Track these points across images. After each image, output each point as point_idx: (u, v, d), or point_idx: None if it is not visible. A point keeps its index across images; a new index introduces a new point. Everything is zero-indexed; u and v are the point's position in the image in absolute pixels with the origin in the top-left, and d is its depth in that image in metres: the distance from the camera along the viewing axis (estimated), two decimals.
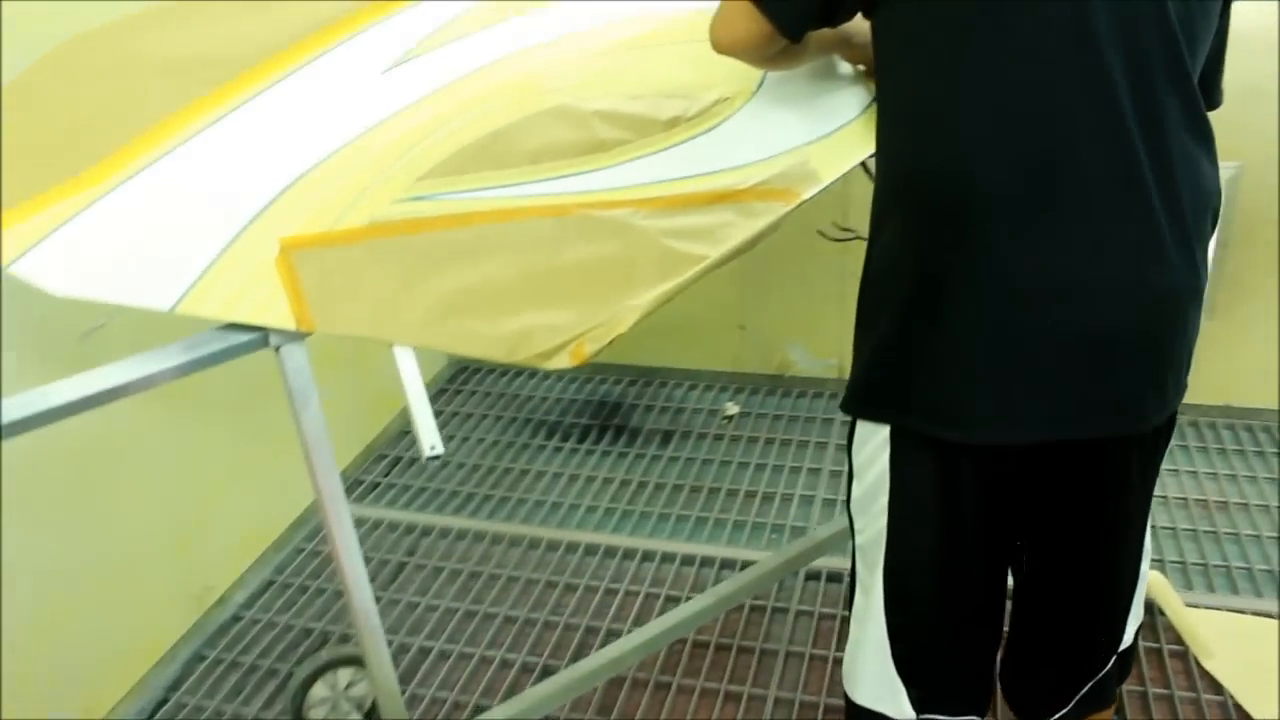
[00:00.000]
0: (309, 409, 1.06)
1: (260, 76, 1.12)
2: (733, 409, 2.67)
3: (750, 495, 2.31)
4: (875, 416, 1.08)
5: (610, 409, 2.71)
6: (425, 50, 1.20)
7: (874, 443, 1.09)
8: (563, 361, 1.10)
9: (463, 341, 1.07)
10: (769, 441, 2.52)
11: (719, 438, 2.56)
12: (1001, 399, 0.99)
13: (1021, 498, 1.08)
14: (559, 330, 1.11)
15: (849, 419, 1.13)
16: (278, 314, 1.00)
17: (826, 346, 2.70)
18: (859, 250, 1.11)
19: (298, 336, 1.02)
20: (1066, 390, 0.98)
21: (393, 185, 1.09)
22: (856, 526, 1.16)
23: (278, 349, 1.03)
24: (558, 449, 2.55)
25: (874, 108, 1.37)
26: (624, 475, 2.41)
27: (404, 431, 2.66)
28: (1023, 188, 0.95)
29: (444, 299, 1.07)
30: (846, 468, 1.17)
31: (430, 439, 1.00)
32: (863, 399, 1.09)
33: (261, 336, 1.01)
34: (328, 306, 1.02)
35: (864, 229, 1.10)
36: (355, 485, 2.44)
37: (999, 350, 0.97)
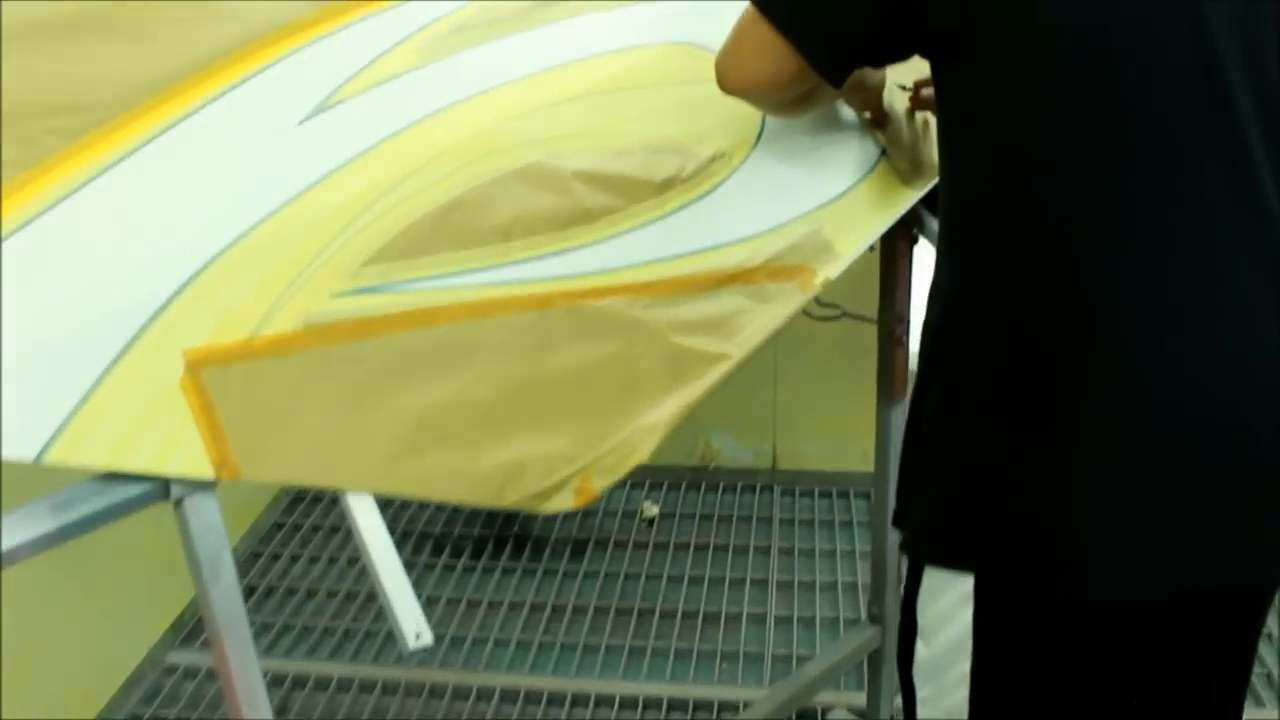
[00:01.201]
0: (220, 582, 0.85)
1: (132, 129, 0.92)
2: (652, 510, 2.52)
3: (689, 617, 2.16)
4: (957, 563, 0.96)
5: (507, 516, 2.51)
6: (352, 93, 1.03)
7: (951, 596, 0.97)
8: (565, 503, 0.93)
9: (437, 482, 0.89)
10: (700, 548, 2.38)
11: (640, 545, 2.40)
12: (1130, 542, 0.88)
13: (1140, 659, 0.97)
14: (557, 461, 0.94)
15: (911, 562, 1.01)
16: (187, 457, 0.80)
17: (756, 431, 2.60)
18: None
19: (207, 486, 0.82)
20: (1215, 528, 0.88)
21: (330, 274, 0.91)
22: (922, 696, 1.03)
23: (179, 503, 0.82)
24: (447, 568, 2.34)
25: (884, 164, 1.28)
26: (533, 598, 2.23)
27: (253, 554, 2.40)
28: (1148, 273, 0.86)
29: (409, 425, 0.89)
30: (901, 621, 1.04)
31: (414, 625, 0.81)
32: (940, 541, 0.97)
33: (159, 487, 0.81)
34: (256, 444, 0.83)
35: (848, 301, 1.00)
36: (192, 624, 2.17)
37: (1127, 480, 0.87)
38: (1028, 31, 0.86)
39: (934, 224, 1.34)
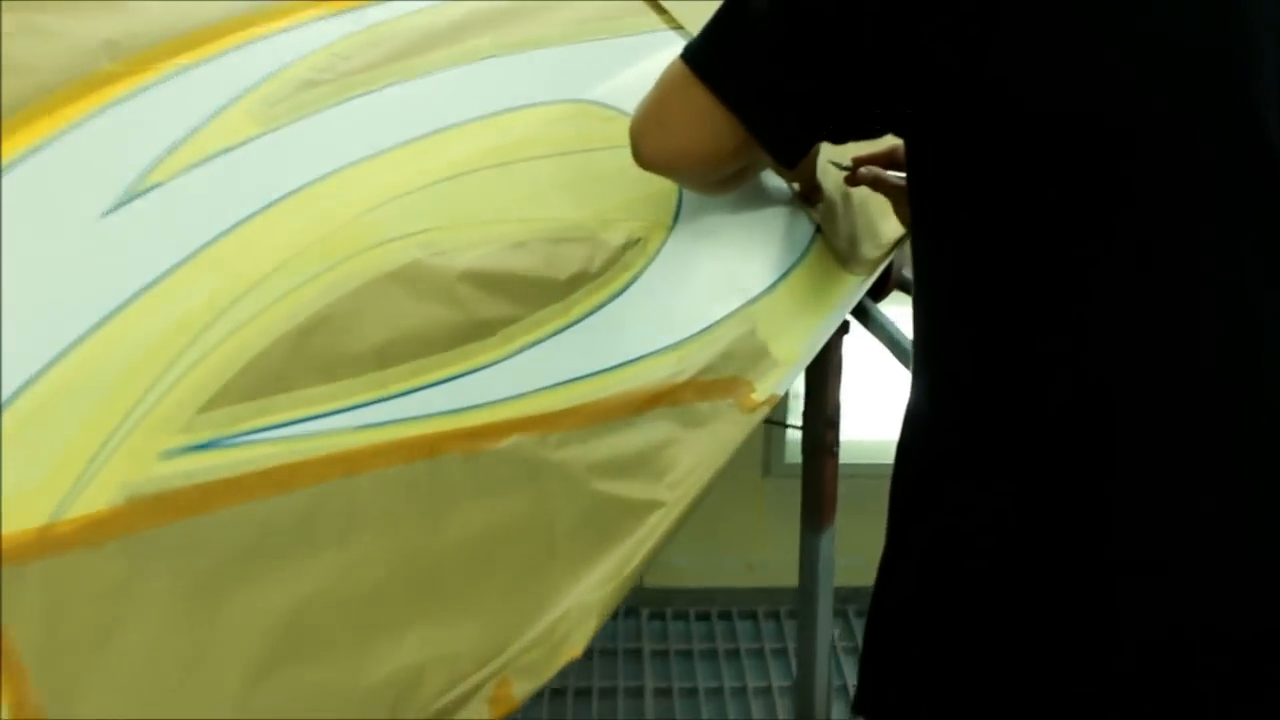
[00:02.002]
0: None
1: None
2: None
3: None
4: None
5: None
6: (170, 173, 0.92)
7: None
8: (480, 714, 0.85)
9: (310, 703, 0.79)
10: (555, 694, 2.29)
11: None
12: None
13: None
14: (464, 662, 0.86)
15: None
16: None
17: None
18: None
19: None
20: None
21: (156, 426, 0.80)
22: None
23: None
24: None
25: (820, 244, 1.25)
26: None
27: None
28: (1197, 432, 0.84)
29: (271, 632, 0.79)
30: None
31: None
32: None
33: None
34: (66, 677, 0.71)
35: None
36: None
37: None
38: (1041, 111, 0.83)
39: (877, 312, 1.32)
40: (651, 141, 1.04)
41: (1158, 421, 0.83)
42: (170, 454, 0.79)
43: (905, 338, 1.28)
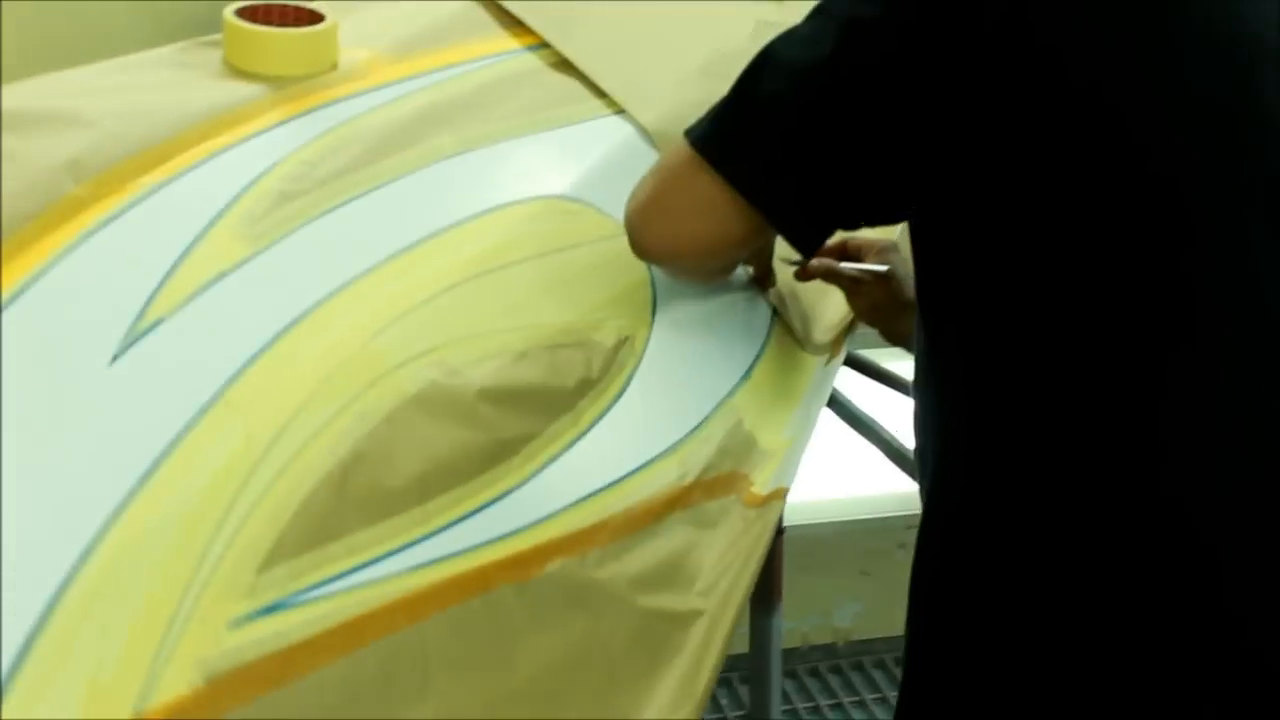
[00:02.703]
0: None
1: None
2: None
3: None
4: None
5: None
6: (171, 307, 0.86)
7: None
8: None
9: None
10: None
11: None
12: None
13: None
14: None
15: None
16: None
17: None
18: None
19: None
20: None
21: (221, 595, 0.74)
22: None
23: None
24: None
25: (779, 326, 1.25)
26: None
27: None
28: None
29: None
30: None
31: None
32: None
33: None
34: None
35: None
36: None
37: None
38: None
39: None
40: (655, 231, 1.01)
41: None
42: (239, 622, 0.73)
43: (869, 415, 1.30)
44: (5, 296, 0.80)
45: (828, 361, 1.29)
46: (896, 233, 1.31)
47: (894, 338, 1.29)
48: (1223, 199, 0.84)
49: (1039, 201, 0.86)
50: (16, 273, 0.81)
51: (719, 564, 1.01)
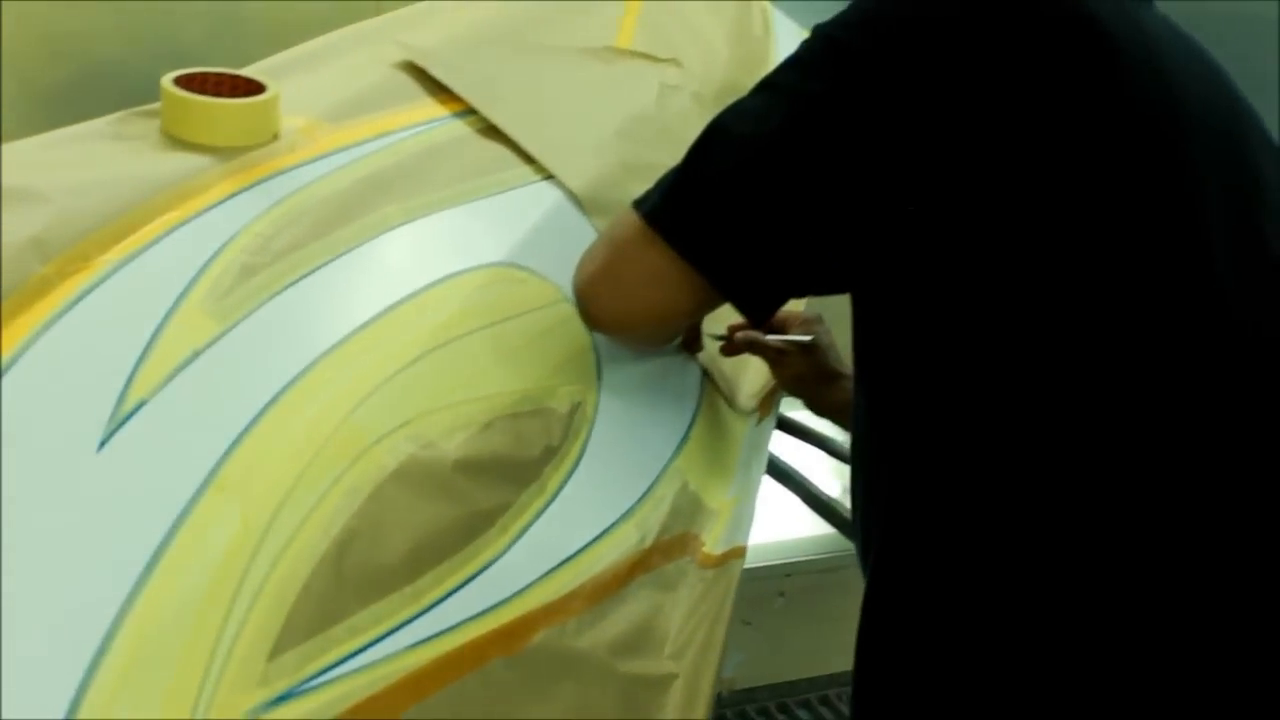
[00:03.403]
0: None
1: None
2: None
3: None
4: None
5: None
6: (151, 387, 0.84)
7: None
8: None
9: None
10: None
11: None
12: None
13: None
14: None
15: None
16: None
17: None
18: None
19: None
20: None
21: (236, 686, 0.73)
22: None
23: None
24: None
25: (710, 390, 1.28)
26: None
27: None
28: None
29: None
30: None
31: None
32: None
33: None
34: None
35: None
36: None
37: None
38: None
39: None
40: (605, 303, 1.03)
41: None
42: (255, 712, 0.72)
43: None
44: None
45: (759, 421, 1.32)
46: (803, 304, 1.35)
47: (819, 408, 1.32)
48: (1164, 281, 0.88)
49: (986, 272, 0.89)
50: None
51: (685, 625, 1.03)
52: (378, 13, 1.92)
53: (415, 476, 0.90)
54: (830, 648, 2.62)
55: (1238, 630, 0.86)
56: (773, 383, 1.35)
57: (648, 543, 1.06)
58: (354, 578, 0.82)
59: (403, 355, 0.97)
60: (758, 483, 1.24)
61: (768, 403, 1.35)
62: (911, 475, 0.96)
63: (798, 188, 0.93)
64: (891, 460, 0.98)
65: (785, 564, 2.49)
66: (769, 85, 0.98)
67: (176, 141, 1.04)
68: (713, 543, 1.12)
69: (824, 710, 2.65)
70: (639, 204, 1.00)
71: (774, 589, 2.40)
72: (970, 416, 0.91)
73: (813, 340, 1.28)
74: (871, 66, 0.91)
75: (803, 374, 1.29)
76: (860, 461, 1.03)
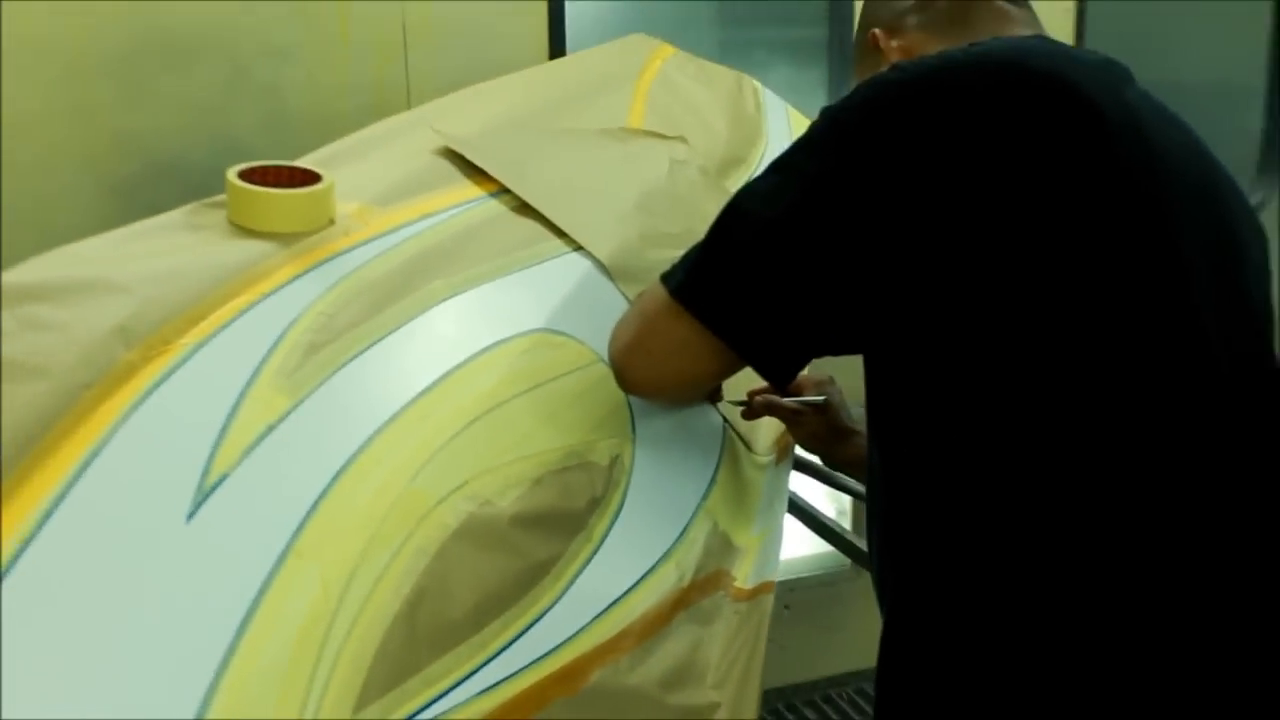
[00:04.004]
0: None
1: None
2: None
3: None
4: None
5: None
6: (231, 461, 0.81)
7: None
8: None
9: None
10: None
11: None
12: None
13: None
14: None
15: None
16: None
17: None
18: None
19: None
20: None
21: None
22: None
23: None
24: None
25: (730, 436, 1.24)
26: None
27: None
28: None
29: None
30: None
31: None
32: None
33: None
34: None
35: None
36: None
37: None
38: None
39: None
40: (639, 371, 1.01)
41: None
42: None
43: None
44: (76, 466, 0.74)
45: (777, 463, 1.28)
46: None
47: (833, 462, 1.29)
48: (1152, 326, 0.85)
49: (987, 323, 0.85)
50: (82, 443, 0.75)
51: (725, 657, 0.99)
52: (407, 107, 1.91)
53: (476, 534, 0.86)
54: (829, 653, 2.59)
55: (1231, 623, 0.84)
56: (776, 441, 1.32)
57: (686, 581, 1.02)
58: (426, 633, 0.78)
59: (456, 421, 0.94)
60: (781, 520, 1.20)
61: (784, 447, 1.31)
62: (922, 518, 0.93)
63: (808, 259, 0.90)
64: (904, 505, 0.95)
65: (790, 579, 2.46)
66: (780, 166, 0.95)
67: (243, 230, 1.01)
68: (743, 578, 1.08)
69: (827, 708, 2.61)
70: (666, 279, 0.97)
71: (780, 602, 2.35)
72: (976, 463, 0.88)
73: (825, 400, 1.25)
74: (871, 141, 0.88)
75: (817, 432, 1.26)
76: (875, 507, 1.00)
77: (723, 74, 1.90)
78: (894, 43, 1.06)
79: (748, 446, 1.27)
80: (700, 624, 1.01)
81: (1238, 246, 0.92)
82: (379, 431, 0.88)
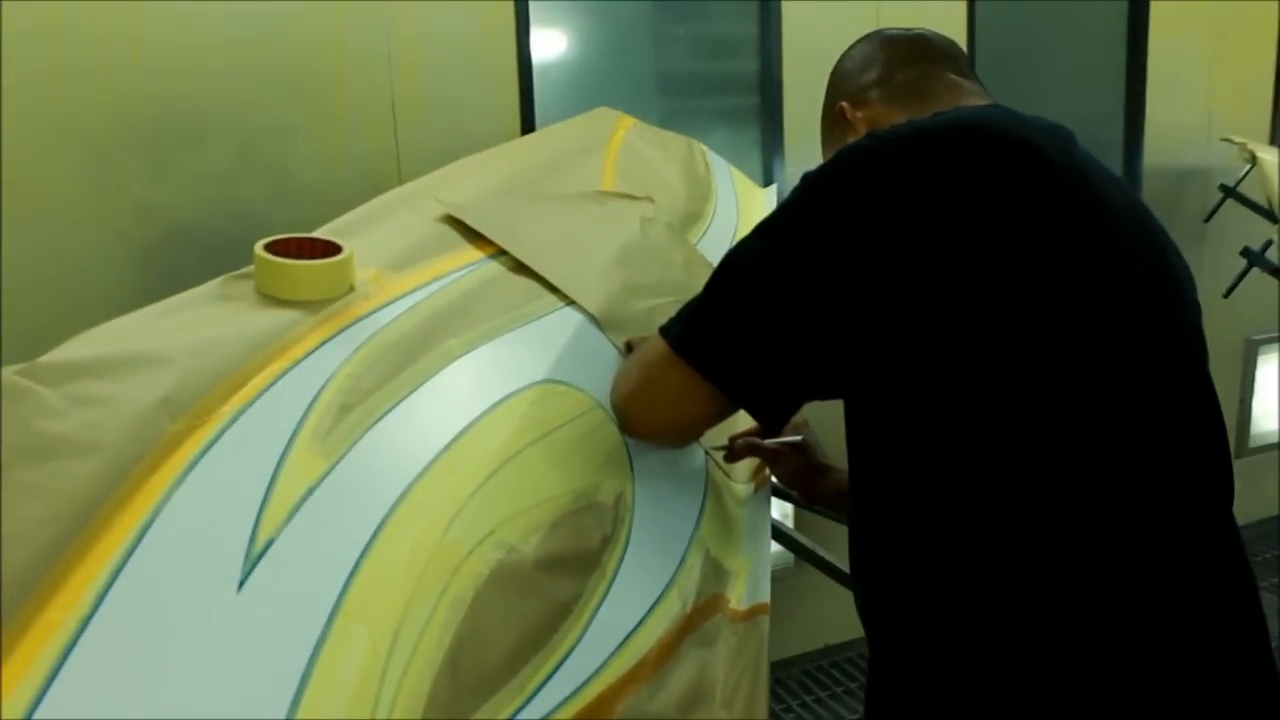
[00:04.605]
0: None
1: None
2: None
3: None
4: None
5: None
6: (274, 526, 0.72)
7: None
8: None
9: None
10: None
11: None
12: None
13: None
14: None
15: None
16: None
17: None
18: None
19: None
20: None
21: None
22: None
23: None
24: None
25: (711, 465, 1.18)
26: None
27: None
28: None
29: None
30: None
31: None
32: None
33: None
34: None
35: None
36: None
37: None
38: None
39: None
40: (642, 418, 0.97)
41: None
42: None
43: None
44: (129, 540, 0.65)
45: (755, 490, 1.22)
46: None
47: (811, 496, 1.24)
48: (1106, 347, 0.81)
49: (960, 364, 0.81)
50: (134, 516, 0.67)
51: (729, 676, 0.93)
52: (398, 175, 1.83)
53: (505, 580, 0.79)
54: (777, 642, 2.55)
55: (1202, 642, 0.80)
56: (750, 480, 1.26)
57: (689, 608, 0.95)
58: (468, 681, 0.71)
59: (479, 473, 0.87)
60: (767, 545, 1.14)
61: (762, 478, 1.25)
62: (900, 547, 0.88)
63: (793, 310, 0.85)
64: (884, 534, 0.89)
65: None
66: (764, 227, 0.90)
67: (272, 300, 0.93)
68: (737, 599, 1.02)
69: (780, 690, 2.56)
70: (665, 332, 0.92)
71: None
72: (950, 492, 0.83)
73: (802, 440, 1.20)
74: (846, 198, 0.83)
75: (795, 470, 1.21)
76: (857, 536, 0.94)
77: (676, 139, 1.85)
78: (859, 113, 1.02)
79: (728, 475, 1.20)
80: (704, 647, 0.94)
81: (1174, 283, 0.89)
82: (410, 487, 0.81)
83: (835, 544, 1.18)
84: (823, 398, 0.91)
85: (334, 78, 1.78)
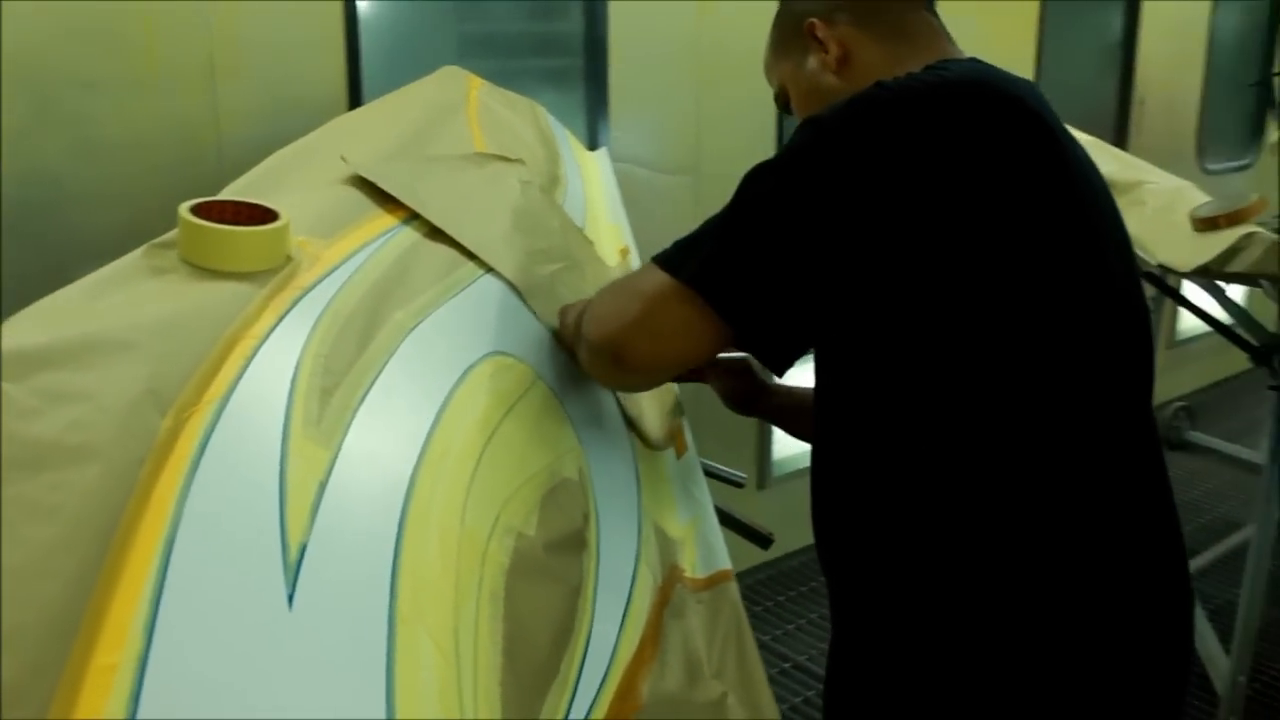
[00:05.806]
0: None
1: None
2: None
3: None
4: None
5: None
6: (301, 530, 0.64)
7: None
8: None
9: None
10: None
11: None
12: None
13: None
14: None
15: None
16: None
17: None
18: None
19: None
20: None
21: None
22: None
23: None
24: None
25: (636, 441, 1.15)
26: None
27: None
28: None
29: None
30: None
31: None
32: None
33: None
34: None
35: None
36: None
37: None
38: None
39: None
40: (642, 349, 0.88)
41: None
42: None
43: None
44: (156, 560, 0.55)
45: (679, 457, 1.19)
46: None
47: (748, 412, 1.23)
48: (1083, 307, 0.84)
49: (950, 319, 0.82)
50: (154, 533, 0.57)
51: (711, 647, 0.91)
52: (218, 143, 1.64)
53: (524, 568, 0.74)
54: None
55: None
56: (675, 420, 1.23)
57: (659, 580, 0.93)
58: (527, 678, 0.66)
59: (470, 454, 0.81)
60: (709, 508, 1.12)
61: (679, 439, 1.23)
62: (866, 494, 0.89)
63: (809, 254, 0.82)
64: (849, 484, 0.91)
65: None
66: (777, 168, 0.85)
67: (206, 270, 0.81)
68: (691, 568, 1.00)
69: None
70: (668, 265, 0.86)
71: None
72: (918, 456, 0.85)
73: (745, 356, 1.18)
74: (858, 144, 0.81)
75: (735, 388, 1.20)
76: (821, 488, 0.94)
77: (521, 101, 1.77)
78: (831, 33, 0.96)
79: (646, 442, 1.17)
80: (677, 618, 0.92)
81: (1127, 243, 0.94)
82: (416, 474, 0.73)
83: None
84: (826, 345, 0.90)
85: (144, 29, 1.57)
